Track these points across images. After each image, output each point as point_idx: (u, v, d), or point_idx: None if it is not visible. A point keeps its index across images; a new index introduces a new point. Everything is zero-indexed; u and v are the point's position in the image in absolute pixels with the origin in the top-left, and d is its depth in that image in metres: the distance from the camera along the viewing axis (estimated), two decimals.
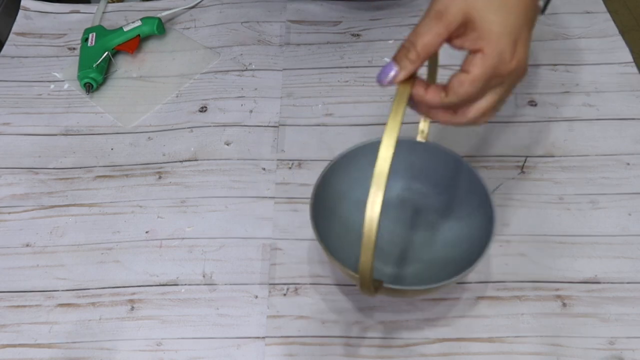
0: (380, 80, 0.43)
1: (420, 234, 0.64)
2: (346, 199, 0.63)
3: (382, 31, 0.90)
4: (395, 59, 0.42)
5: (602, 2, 0.93)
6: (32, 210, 0.72)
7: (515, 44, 0.41)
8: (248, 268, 0.66)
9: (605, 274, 0.64)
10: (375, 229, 0.42)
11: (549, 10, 0.92)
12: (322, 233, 0.56)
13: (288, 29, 0.91)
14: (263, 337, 0.61)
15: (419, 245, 0.64)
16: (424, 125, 0.59)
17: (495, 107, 0.44)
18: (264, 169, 0.74)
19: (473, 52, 0.42)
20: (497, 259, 0.65)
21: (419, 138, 0.60)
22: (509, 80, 0.43)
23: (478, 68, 0.41)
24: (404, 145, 0.60)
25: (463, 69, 0.42)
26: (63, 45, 0.92)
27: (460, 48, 0.43)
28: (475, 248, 0.56)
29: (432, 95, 0.43)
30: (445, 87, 0.43)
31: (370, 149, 0.59)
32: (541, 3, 0.45)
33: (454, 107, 0.44)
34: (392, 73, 0.42)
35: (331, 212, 0.61)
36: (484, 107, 0.44)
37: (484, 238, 0.56)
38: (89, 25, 0.91)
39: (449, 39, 0.42)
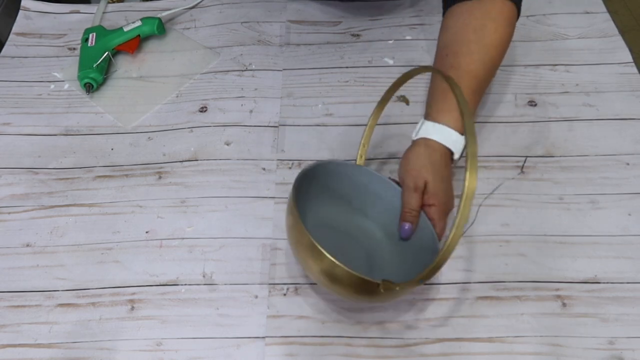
0: (405, 236, 0.63)
1: (384, 248, 0.65)
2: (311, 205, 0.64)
3: (382, 31, 0.90)
4: (406, 220, 0.62)
5: (602, 2, 0.93)
6: (32, 210, 0.72)
7: (448, 195, 0.63)
8: (248, 268, 0.66)
9: (605, 274, 0.64)
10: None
11: (549, 10, 0.92)
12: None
13: (288, 29, 0.91)
14: (263, 337, 0.61)
15: (380, 258, 0.64)
16: (362, 150, 0.67)
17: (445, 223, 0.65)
18: (264, 169, 0.74)
19: (429, 205, 0.62)
20: (497, 259, 0.65)
21: (359, 162, 0.67)
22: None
23: (436, 218, 0.62)
24: (350, 169, 0.66)
25: (429, 217, 0.63)
26: (63, 46, 0.92)
27: (423, 203, 0.63)
28: (423, 259, 0.59)
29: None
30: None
31: (346, 169, 0.66)
32: (456, 156, 0.65)
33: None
34: (408, 228, 0.62)
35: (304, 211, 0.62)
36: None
37: (432, 250, 0.59)
38: (89, 26, 0.91)
39: None
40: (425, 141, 0.64)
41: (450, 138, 0.64)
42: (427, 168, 0.62)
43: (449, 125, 0.64)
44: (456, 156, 0.65)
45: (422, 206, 0.63)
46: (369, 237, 0.66)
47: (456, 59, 0.67)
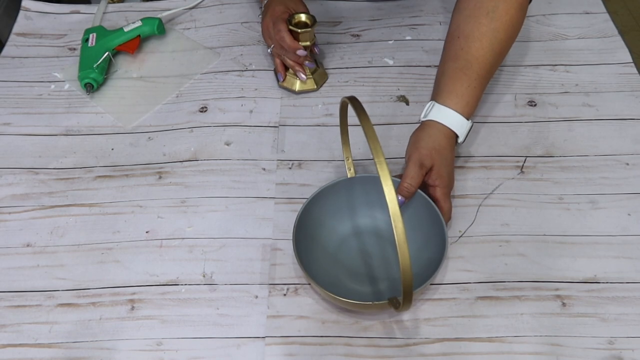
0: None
1: (388, 254, 0.66)
2: (324, 226, 0.67)
3: (382, 31, 0.90)
4: (400, 193, 0.64)
5: (601, 2, 0.93)
6: (32, 210, 0.72)
7: (451, 177, 0.67)
8: (248, 268, 0.66)
9: (605, 274, 0.64)
10: (407, 253, 0.49)
11: (549, 10, 0.92)
12: (304, 259, 0.61)
13: None
14: (263, 337, 0.61)
15: (386, 264, 0.66)
16: (349, 164, 0.68)
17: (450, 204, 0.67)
18: (264, 169, 0.74)
19: (433, 186, 0.65)
20: (497, 259, 0.65)
21: (349, 175, 0.67)
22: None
23: (441, 199, 0.65)
24: (346, 183, 0.67)
25: (434, 198, 0.65)
26: (63, 46, 0.92)
27: (426, 183, 0.66)
28: (434, 257, 0.61)
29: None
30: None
31: (342, 185, 0.67)
32: (460, 140, 0.69)
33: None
34: (400, 200, 0.64)
35: (312, 238, 0.65)
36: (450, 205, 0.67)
37: (440, 246, 0.61)
38: (89, 26, 0.91)
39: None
40: (435, 124, 0.68)
41: (456, 122, 0.67)
42: (436, 151, 0.66)
43: (456, 110, 0.68)
44: (460, 140, 0.68)
45: (426, 186, 0.66)
46: (382, 232, 0.68)
47: (467, 42, 0.69)
